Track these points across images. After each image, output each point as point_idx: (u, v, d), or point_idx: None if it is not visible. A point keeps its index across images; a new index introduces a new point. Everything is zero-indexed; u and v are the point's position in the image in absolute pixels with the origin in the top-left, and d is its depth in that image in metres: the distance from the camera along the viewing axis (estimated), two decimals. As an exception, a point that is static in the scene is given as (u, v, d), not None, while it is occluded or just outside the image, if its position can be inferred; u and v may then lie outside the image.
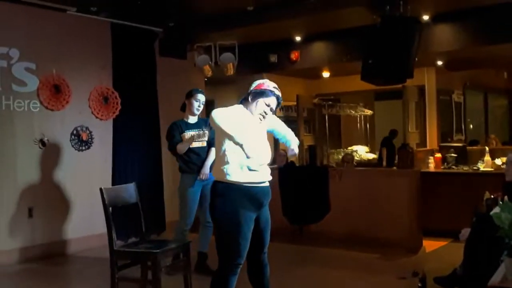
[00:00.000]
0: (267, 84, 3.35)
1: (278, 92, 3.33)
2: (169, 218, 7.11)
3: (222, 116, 3.13)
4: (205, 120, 4.99)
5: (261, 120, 3.30)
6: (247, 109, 3.31)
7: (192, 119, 4.97)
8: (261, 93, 3.27)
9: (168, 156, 7.25)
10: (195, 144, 4.86)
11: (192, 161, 4.86)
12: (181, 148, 4.82)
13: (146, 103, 6.96)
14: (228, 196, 3.14)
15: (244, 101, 3.33)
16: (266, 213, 3.34)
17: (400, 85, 7.51)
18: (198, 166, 4.84)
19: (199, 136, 4.88)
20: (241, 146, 3.09)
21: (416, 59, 5.57)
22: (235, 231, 3.11)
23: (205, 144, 4.90)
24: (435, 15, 6.58)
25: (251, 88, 3.34)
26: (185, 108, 5.02)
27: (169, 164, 7.25)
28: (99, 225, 6.32)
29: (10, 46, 5.61)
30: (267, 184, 3.31)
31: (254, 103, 3.27)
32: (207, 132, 4.89)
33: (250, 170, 3.18)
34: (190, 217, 4.84)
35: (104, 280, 4.28)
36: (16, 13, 5.71)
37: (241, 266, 3.20)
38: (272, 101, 3.30)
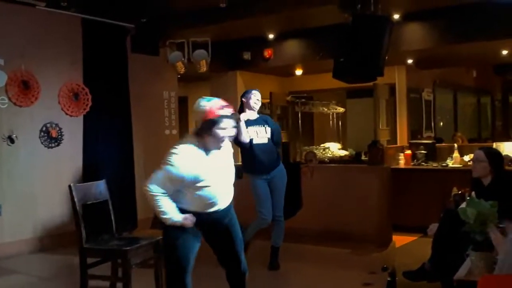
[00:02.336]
0: (213, 109, 3.02)
1: (228, 112, 3.05)
2: (141, 216, 7.07)
3: (155, 194, 3.03)
4: (264, 117, 5.03)
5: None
6: (202, 144, 3.05)
7: (252, 116, 4.94)
8: (212, 124, 3.00)
9: (140, 152, 7.23)
10: (257, 141, 4.86)
11: (255, 158, 4.85)
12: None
13: (117, 100, 6.89)
14: None
15: (197, 136, 3.05)
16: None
17: (371, 83, 7.61)
18: (265, 165, 4.86)
19: (260, 132, 4.89)
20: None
21: (387, 57, 5.64)
22: None
23: (266, 140, 4.89)
24: (405, 14, 6.67)
25: (198, 119, 3.05)
26: (243, 109, 4.99)
27: (141, 161, 7.21)
28: (68, 224, 6.29)
29: (-23, 41, 5.50)
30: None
31: (211, 137, 3.02)
32: (267, 128, 4.90)
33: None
34: (263, 207, 4.86)
35: (75, 278, 4.24)
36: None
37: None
38: (228, 123, 3.05)
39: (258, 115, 5.03)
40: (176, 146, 3.05)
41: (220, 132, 3.02)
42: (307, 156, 7.76)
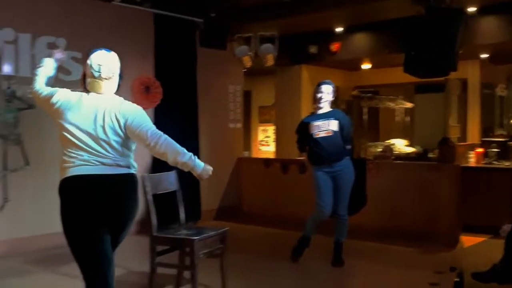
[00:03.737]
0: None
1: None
2: (204, 207, 7.24)
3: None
4: (334, 112, 5.01)
5: None
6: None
7: (322, 110, 4.99)
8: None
9: (205, 145, 7.39)
10: (319, 134, 4.89)
11: (317, 151, 4.90)
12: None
13: (186, 93, 7.07)
14: None
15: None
16: None
17: (442, 78, 7.38)
18: (324, 157, 4.89)
19: (323, 126, 4.90)
20: None
21: (460, 51, 5.47)
22: None
23: (331, 133, 4.88)
24: (481, 7, 6.43)
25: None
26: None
27: (206, 153, 7.37)
28: (140, 212, 6.52)
29: (57, 35, 5.78)
30: None
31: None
32: (333, 121, 4.90)
33: None
34: (322, 199, 4.88)
35: (144, 264, 4.42)
36: (63, 4, 5.88)
37: None
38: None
39: (329, 110, 5.01)
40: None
41: None
42: (385, 150, 7.63)
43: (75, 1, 5.95)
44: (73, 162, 2.83)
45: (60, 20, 5.84)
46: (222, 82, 7.79)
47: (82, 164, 2.83)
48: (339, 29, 7.87)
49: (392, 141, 9.55)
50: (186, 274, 4.18)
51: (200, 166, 3.02)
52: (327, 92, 4.96)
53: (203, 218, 6.99)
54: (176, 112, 6.90)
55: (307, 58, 8.64)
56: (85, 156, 2.84)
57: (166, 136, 3.00)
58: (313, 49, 8.41)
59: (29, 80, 5.41)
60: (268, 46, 7.15)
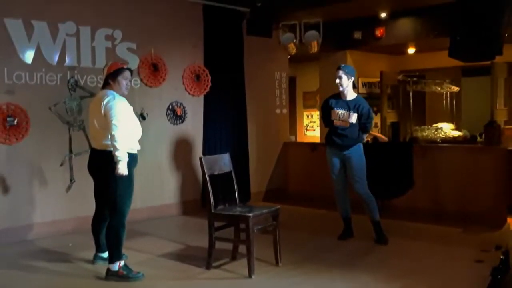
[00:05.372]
0: (115, 64, 4.33)
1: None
2: (254, 189, 7.52)
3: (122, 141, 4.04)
4: (356, 101, 5.18)
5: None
6: (116, 92, 4.20)
7: (346, 96, 5.20)
8: (117, 72, 4.21)
9: (253, 130, 7.66)
10: (337, 123, 5.18)
11: (333, 136, 5.22)
12: None
13: (234, 80, 7.33)
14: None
15: (106, 86, 4.24)
16: None
17: (488, 62, 7.35)
18: (336, 143, 5.17)
19: (343, 116, 5.16)
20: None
21: (506, 35, 5.47)
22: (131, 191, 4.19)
23: (347, 125, 5.14)
24: (528, -11, 6.36)
25: (105, 72, 4.26)
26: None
27: (253, 138, 7.64)
28: (191, 193, 6.87)
29: (114, 27, 6.13)
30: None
31: (117, 83, 4.20)
32: (354, 115, 5.12)
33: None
34: (333, 173, 5.26)
35: (201, 240, 4.73)
36: (119, -3, 6.23)
37: None
38: (128, 74, 4.27)
39: (353, 97, 5.19)
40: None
41: (124, 81, 4.26)
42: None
43: (130, -5, 6.29)
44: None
45: (117, 13, 6.17)
46: (268, 69, 8.01)
47: None
48: (383, 14, 7.92)
49: (439, 125, 9.56)
50: (241, 249, 4.47)
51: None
52: (341, 76, 5.11)
53: (252, 200, 7.28)
54: (225, 99, 7.18)
55: (351, 44, 8.74)
56: None
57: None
58: (357, 35, 8.49)
59: (90, 70, 5.85)
60: (312, 33, 7.28)
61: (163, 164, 6.68)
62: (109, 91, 4.19)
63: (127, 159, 4.05)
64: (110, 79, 4.23)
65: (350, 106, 5.16)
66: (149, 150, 6.49)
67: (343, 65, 5.32)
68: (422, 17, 7.73)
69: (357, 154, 5.19)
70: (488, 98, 8.49)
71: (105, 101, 4.10)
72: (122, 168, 4.01)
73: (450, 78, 9.95)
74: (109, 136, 4.03)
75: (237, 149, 7.28)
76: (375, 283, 4.01)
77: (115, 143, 3.99)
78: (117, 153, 3.99)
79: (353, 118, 5.12)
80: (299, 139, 11.68)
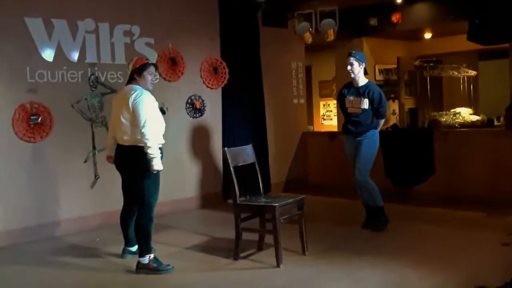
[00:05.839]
0: (140, 59, 4.37)
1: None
2: (274, 180, 7.55)
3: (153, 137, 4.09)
4: (367, 87, 5.20)
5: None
6: (140, 86, 4.22)
7: (357, 82, 5.24)
8: (143, 67, 4.24)
9: (271, 121, 7.67)
10: (350, 110, 5.25)
11: (347, 123, 5.30)
12: None
13: (250, 72, 7.34)
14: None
15: (132, 81, 4.25)
16: None
17: (507, 44, 7.28)
18: (350, 131, 5.24)
19: (355, 102, 5.20)
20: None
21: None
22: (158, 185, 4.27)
23: (360, 111, 5.19)
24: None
25: (131, 68, 4.27)
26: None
27: (272, 129, 7.66)
28: (211, 186, 6.92)
29: (132, 23, 6.17)
30: None
31: (142, 78, 4.22)
32: (365, 100, 5.15)
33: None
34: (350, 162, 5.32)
35: (227, 230, 4.78)
36: (136, -7, 6.26)
37: None
38: (153, 69, 4.32)
39: (364, 83, 5.20)
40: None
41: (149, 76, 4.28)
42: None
43: (146, -11, 6.32)
44: None
45: (134, 9, 6.21)
46: (284, 59, 8.01)
47: None
48: (399, 0, 7.85)
49: (457, 109, 9.48)
50: (267, 239, 4.51)
51: None
52: (352, 63, 5.13)
53: (272, 191, 7.31)
54: (243, 91, 7.20)
55: (367, 31, 8.68)
56: None
57: None
58: (373, 22, 8.42)
59: (110, 66, 5.90)
60: (328, 21, 7.24)
61: (183, 158, 6.73)
62: (136, 86, 4.22)
63: (159, 155, 4.08)
64: (136, 74, 4.24)
65: (361, 91, 5.18)
66: (169, 144, 6.42)
67: (353, 51, 5.33)
68: (438, 1, 7.64)
69: (368, 141, 5.19)
70: (507, 81, 8.40)
71: (133, 96, 4.12)
72: (157, 164, 4.05)
73: (467, 62, 9.85)
74: (139, 132, 4.05)
75: (256, 140, 7.24)
76: (403, 268, 4.02)
77: (146, 141, 4.01)
78: (149, 151, 4.01)
79: (365, 103, 5.14)
80: (316, 129, 11.66)
